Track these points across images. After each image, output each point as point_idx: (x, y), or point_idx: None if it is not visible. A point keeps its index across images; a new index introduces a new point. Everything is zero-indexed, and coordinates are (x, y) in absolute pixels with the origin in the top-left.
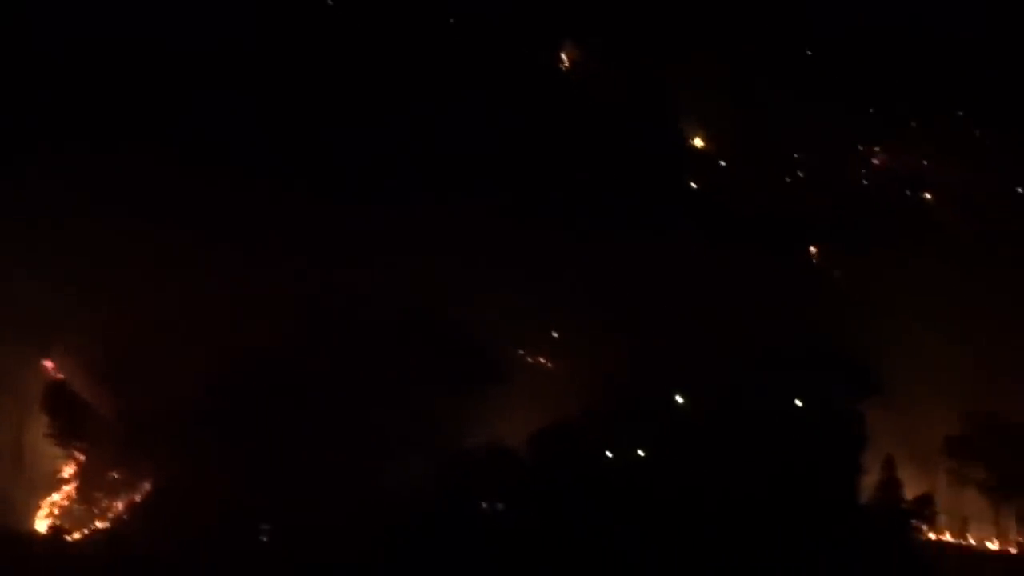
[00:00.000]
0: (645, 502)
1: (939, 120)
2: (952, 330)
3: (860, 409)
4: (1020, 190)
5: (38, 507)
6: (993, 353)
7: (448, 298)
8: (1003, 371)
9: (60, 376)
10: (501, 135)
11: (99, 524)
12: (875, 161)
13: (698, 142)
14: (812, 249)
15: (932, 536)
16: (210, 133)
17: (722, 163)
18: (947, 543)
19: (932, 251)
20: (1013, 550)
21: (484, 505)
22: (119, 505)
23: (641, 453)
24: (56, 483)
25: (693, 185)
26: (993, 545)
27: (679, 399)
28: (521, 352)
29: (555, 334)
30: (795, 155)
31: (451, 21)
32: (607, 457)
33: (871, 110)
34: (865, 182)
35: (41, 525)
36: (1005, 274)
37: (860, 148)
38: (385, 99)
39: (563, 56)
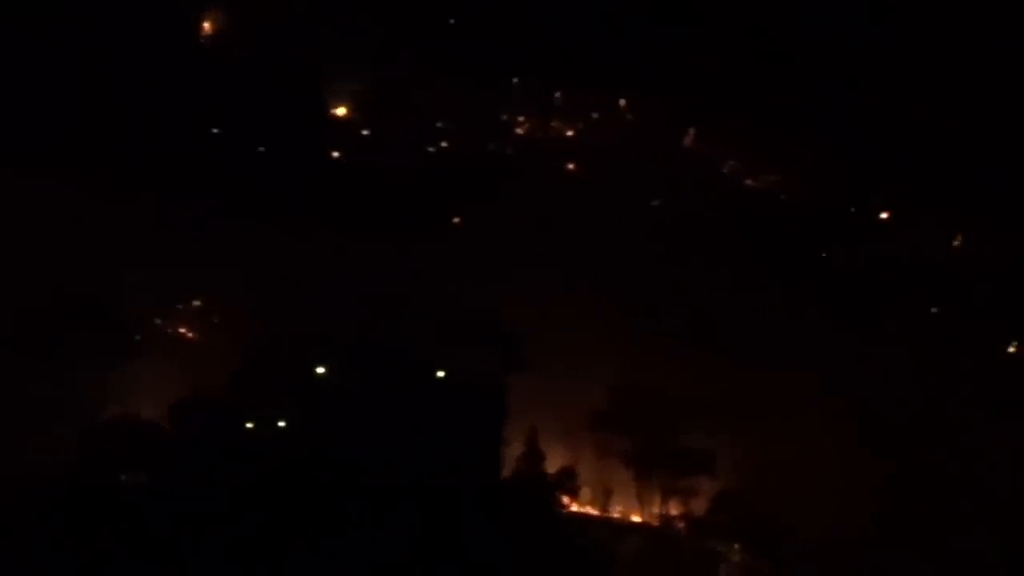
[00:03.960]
0: (286, 473)
1: (584, 91)
2: (597, 303)
3: (503, 381)
4: (668, 166)
5: None
6: (639, 326)
7: (87, 269)
8: (648, 345)
9: None
10: (136, 105)
11: None
12: (519, 131)
13: (341, 111)
14: (456, 220)
15: (575, 508)
16: None
17: (365, 132)
18: (590, 515)
19: (578, 223)
20: (655, 522)
21: (123, 476)
22: None
23: (282, 424)
24: None
25: (335, 155)
26: (636, 517)
27: (320, 369)
28: (160, 323)
29: (196, 303)
30: (438, 124)
31: None
32: (247, 428)
33: (514, 80)
34: (509, 151)
35: None
36: (648, 248)
37: (504, 118)
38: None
39: (205, 26)
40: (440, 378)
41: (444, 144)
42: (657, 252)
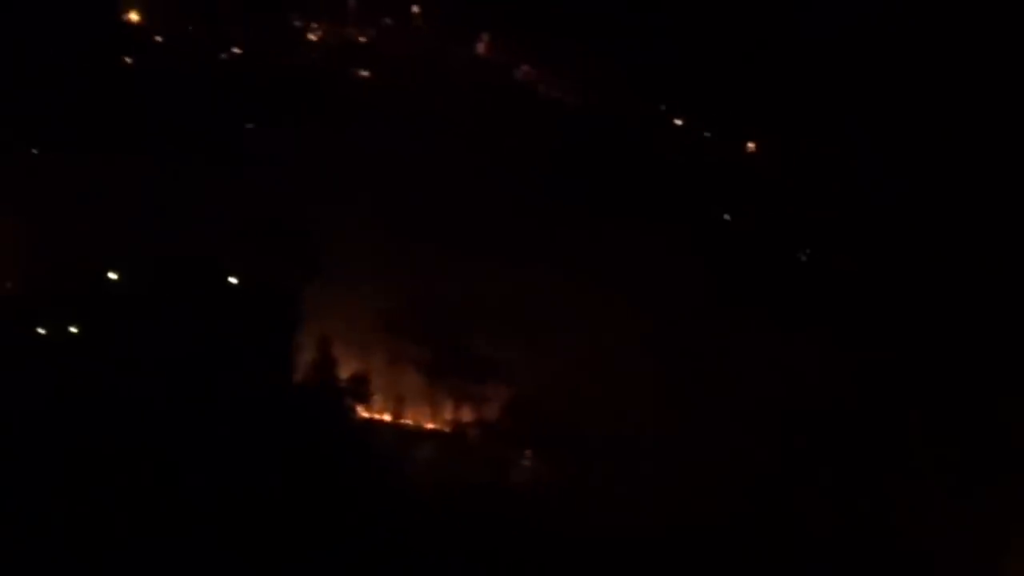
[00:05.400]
0: (78, 377)
1: None
2: (389, 208)
3: (295, 287)
4: (461, 73)
5: None
6: (431, 232)
7: None
8: (441, 251)
9: None
10: None
11: None
12: (312, 37)
13: (133, 17)
14: (250, 125)
15: (367, 415)
16: None
17: (158, 39)
18: (382, 422)
19: (373, 130)
20: (447, 429)
21: None
22: None
23: (73, 329)
24: None
25: (128, 61)
26: (429, 424)
27: (112, 275)
28: None
29: None
30: (229, 31)
31: None
32: (38, 332)
33: None
34: (302, 58)
35: None
36: (443, 154)
37: (297, 24)
38: None
39: None
40: (232, 284)
41: (236, 51)
42: (452, 158)
